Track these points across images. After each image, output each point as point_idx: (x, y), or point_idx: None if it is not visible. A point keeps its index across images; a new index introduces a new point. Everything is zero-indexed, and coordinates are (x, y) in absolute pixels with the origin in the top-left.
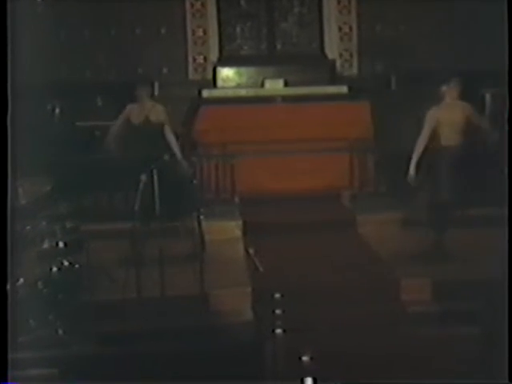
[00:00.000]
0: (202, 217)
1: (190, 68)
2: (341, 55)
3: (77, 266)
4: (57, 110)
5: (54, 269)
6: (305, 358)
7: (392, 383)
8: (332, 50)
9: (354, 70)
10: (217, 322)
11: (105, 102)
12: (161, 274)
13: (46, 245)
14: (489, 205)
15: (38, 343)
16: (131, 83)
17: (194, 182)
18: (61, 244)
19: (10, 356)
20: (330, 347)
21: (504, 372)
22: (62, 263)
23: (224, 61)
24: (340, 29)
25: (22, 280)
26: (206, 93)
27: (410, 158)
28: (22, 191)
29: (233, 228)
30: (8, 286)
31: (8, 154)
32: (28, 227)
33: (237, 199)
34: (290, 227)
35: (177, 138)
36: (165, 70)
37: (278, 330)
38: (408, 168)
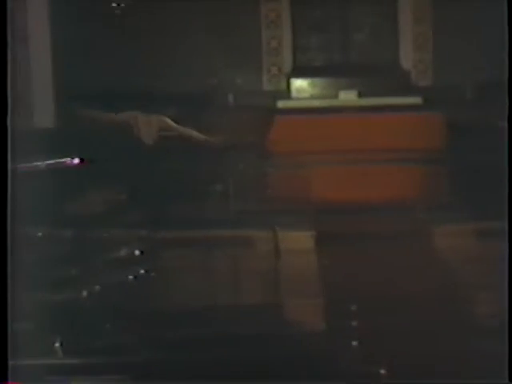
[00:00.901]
0: (276, 227)
1: (265, 78)
2: (415, 66)
3: (153, 274)
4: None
5: (130, 277)
6: (382, 371)
7: (393, 383)
8: (407, 61)
9: (429, 81)
10: (290, 331)
11: (179, 111)
12: (235, 283)
13: (122, 252)
14: None
15: (113, 349)
16: (206, 93)
17: (269, 191)
18: (137, 252)
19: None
20: (405, 358)
21: (504, 372)
22: (138, 271)
23: (298, 71)
24: (415, 39)
25: (97, 287)
26: (280, 103)
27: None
28: (99, 199)
29: (306, 238)
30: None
31: (8, 154)
32: (105, 235)
33: (310, 209)
34: (364, 237)
35: None
36: (239, 81)
37: (354, 342)
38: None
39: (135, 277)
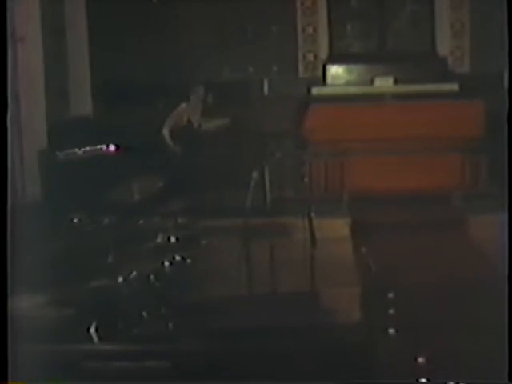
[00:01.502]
0: (312, 214)
1: (300, 66)
2: (452, 52)
3: (188, 260)
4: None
5: (166, 263)
6: (420, 359)
7: (392, 383)
8: (443, 48)
9: (466, 68)
10: (327, 320)
11: (216, 100)
12: (272, 271)
13: (158, 239)
14: None
15: (151, 336)
16: (241, 81)
17: (305, 179)
18: (172, 239)
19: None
20: (442, 347)
21: (504, 372)
22: (174, 257)
23: (334, 58)
24: (452, 26)
25: (134, 273)
26: (315, 90)
27: None
28: (137, 187)
29: (342, 226)
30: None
31: (8, 154)
32: (141, 222)
33: (346, 197)
34: (399, 227)
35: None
36: (275, 68)
37: (391, 330)
38: None
39: (171, 263)
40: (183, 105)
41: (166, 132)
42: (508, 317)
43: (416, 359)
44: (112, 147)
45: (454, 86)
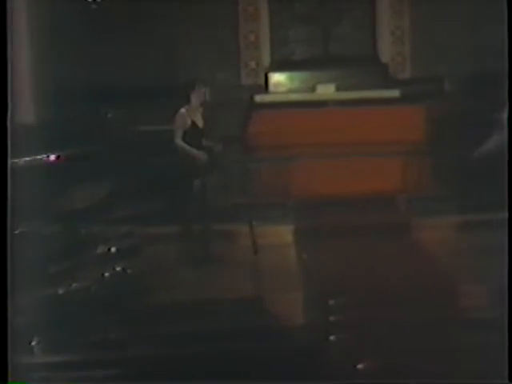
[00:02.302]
0: (254, 221)
1: (243, 73)
2: (394, 59)
3: (129, 271)
4: (110, 115)
5: (107, 274)
6: (359, 366)
7: (392, 383)
8: (385, 54)
9: (407, 74)
10: (269, 325)
11: (157, 106)
12: (214, 277)
13: (99, 250)
14: None
15: (90, 346)
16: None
17: (249, 185)
18: (113, 249)
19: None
20: (384, 353)
21: (504, 372)
22: (114, 268)
23: (276, 66)
24: (393, 32)
25: (75, 284)
26: (258, 98)
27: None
28: (79, 196)
29: (286, 232)
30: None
31: (8, 154)
32: (83, 231)
33: (290, 203)
34: (344, 231)
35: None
36: (217, 75)
37: (332, 336)
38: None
39: (111, 274)
40: (182, 109)
41: (179, 142)
42: (508, 317)
43: (355, 366)
44: (52, 157)
45: (395, 92)
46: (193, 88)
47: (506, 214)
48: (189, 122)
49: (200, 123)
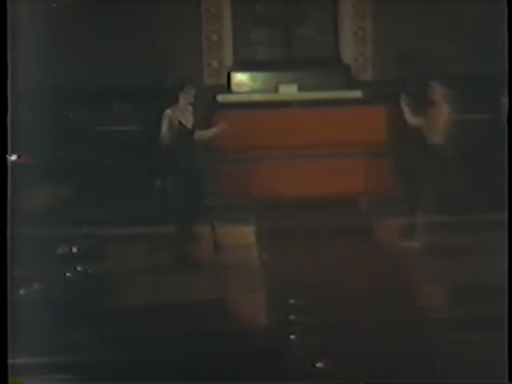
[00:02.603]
0: (215, 222)
1: (205, 73)
2: (356, 60)
3: (90, 271)
4: (73, 116)
5: (68, 274)
6: (318, 365)
7: (392, 383)
8: (347, 55)
9: (369, 75)
10: (232, 326)
11: (121, 107)
12: (176, 279)
13: (60, 250)
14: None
15: (50, 348)
16: (146, 88)
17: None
18: (74, 249)
19: (20, 361)
20: (343, 353)
21: (504, 372)
22: (76, 268)
23: (238, 66)
24: (355, 33)
25: (35, 285)
26: (220, 98)
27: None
28: (40, 196)
29: (247, 233)
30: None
31: (8, 154)
32: (43, 232)
33: (253, 203)
34: (306, 233)
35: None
36: (180, 75)
37: (293, 336)
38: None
39: (72, 274)
40: (168, 110)
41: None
42: (508, 317)
43: (314, 364)
44: (14, 157)
45: (357, 93)
46: (181, 88)
47: (468, 216)
48: (176, 123)
49: (189, 124)
